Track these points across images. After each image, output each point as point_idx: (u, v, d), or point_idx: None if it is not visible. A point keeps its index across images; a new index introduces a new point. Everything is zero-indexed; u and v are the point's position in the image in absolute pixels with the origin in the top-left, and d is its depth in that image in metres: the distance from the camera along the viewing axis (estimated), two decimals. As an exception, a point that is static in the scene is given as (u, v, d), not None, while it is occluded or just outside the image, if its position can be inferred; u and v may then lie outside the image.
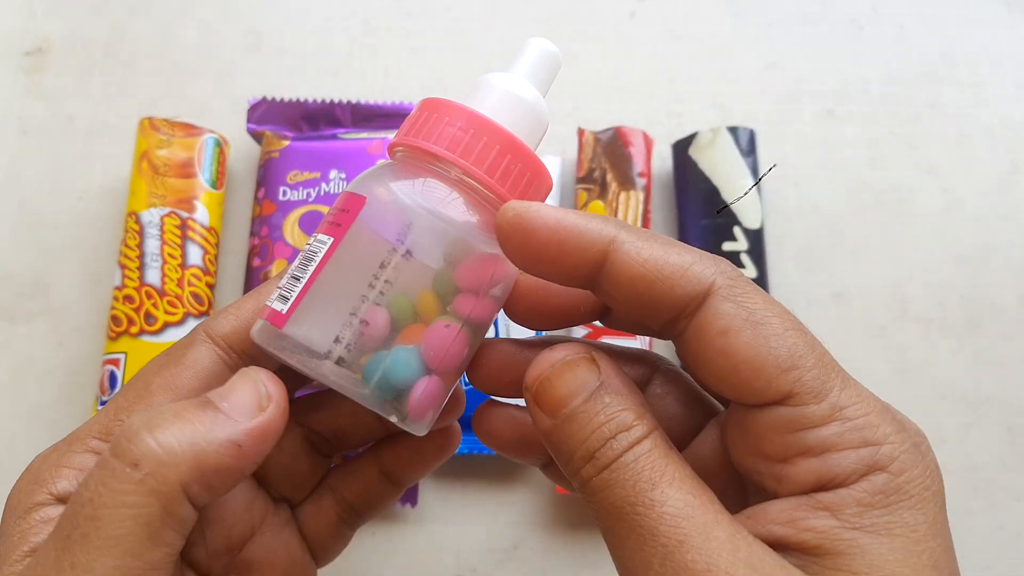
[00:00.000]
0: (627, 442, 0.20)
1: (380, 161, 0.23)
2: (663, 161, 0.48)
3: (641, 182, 0.45)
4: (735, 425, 0.22)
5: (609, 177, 0.45)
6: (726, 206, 0.44)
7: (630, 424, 0.20)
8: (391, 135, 0.46)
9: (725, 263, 0.21)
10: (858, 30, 0.52)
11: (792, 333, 0.20)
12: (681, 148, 0.46)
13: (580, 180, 0.45)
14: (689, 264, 0.20)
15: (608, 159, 0.45)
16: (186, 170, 0.44)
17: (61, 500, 0.21)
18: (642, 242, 0.21)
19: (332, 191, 0.44)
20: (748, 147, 0.45)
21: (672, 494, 0.19)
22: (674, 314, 0.21)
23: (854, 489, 0.19)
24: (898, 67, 0.51)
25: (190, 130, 0.45)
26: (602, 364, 0.21)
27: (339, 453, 0.29)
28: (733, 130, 0.45)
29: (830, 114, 0.50)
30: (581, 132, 0.46)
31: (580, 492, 0.21)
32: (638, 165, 0.45)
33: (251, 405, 0.21)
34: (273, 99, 0.47)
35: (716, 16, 0.52)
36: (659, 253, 0.20)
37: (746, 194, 0.44)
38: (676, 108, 0.50)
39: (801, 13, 0.52)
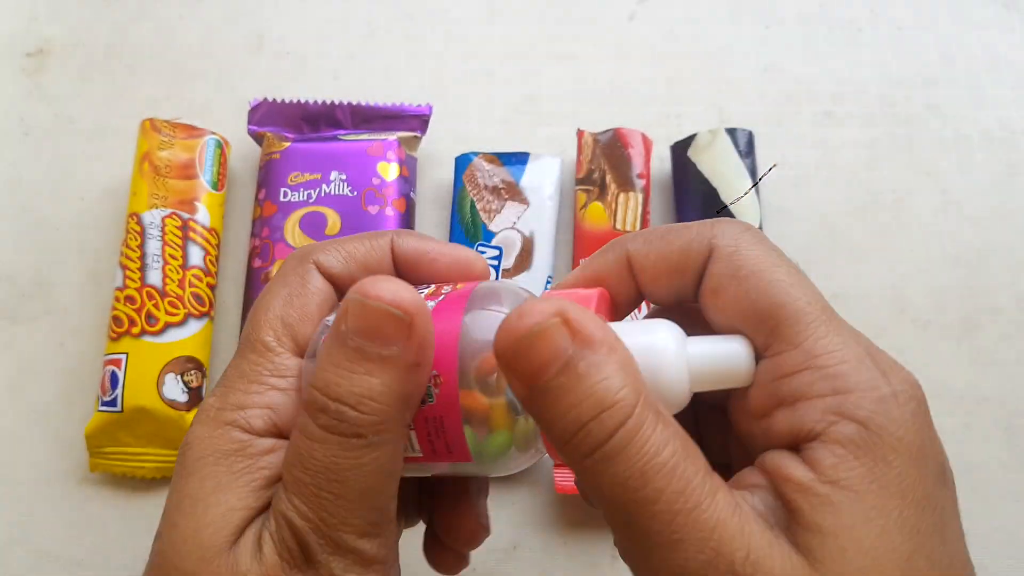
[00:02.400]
0: (614, 421, 0.17)
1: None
2: (662, 162, 0.49)
3: (640, 183, 0.45)
4: (735, 393, 0.21)
5: (608, 178, 0.45)
6: (725, 207, 0.44)
7: (615, 392, 0.18)
8: (391, 136, 0.46)
9: (728, 223, 0.21)
10: (856, 32, 0.52)
11: (778, 284, 0.20)
12: (680, 149, 0.46)
13: (579, 181, 0.45)
14: (688, 242, 0.22)
15: (607, 160, 0.45)
16: (187, 171, 0.44)
17: (259, 433, 0.22)
18: (644, 241, 0.23)
19: (333, 192, 0.44)
20: (747, 148, 0.45)
21: (664, 486, 0.17)
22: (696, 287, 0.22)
23: (826, 440, 0.18)
24: (896, 69, 0.51)
25: (191, 131, 0.45)
26: (575, 323, 0.18)
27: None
28: (732, 131, 0.45)
29: (828, 115, 0.50)
30: (580, 133, 0.46)
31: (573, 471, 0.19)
32: (637, 166, 0.45)
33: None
34: (274, 100, 0.47)
35: (715, 18, 0.53)
36: (661, 247, 0.22)
37: (745, 195, 0.44)
38: (675, 109, 0.50)
39: (799, 15, 0.53)
